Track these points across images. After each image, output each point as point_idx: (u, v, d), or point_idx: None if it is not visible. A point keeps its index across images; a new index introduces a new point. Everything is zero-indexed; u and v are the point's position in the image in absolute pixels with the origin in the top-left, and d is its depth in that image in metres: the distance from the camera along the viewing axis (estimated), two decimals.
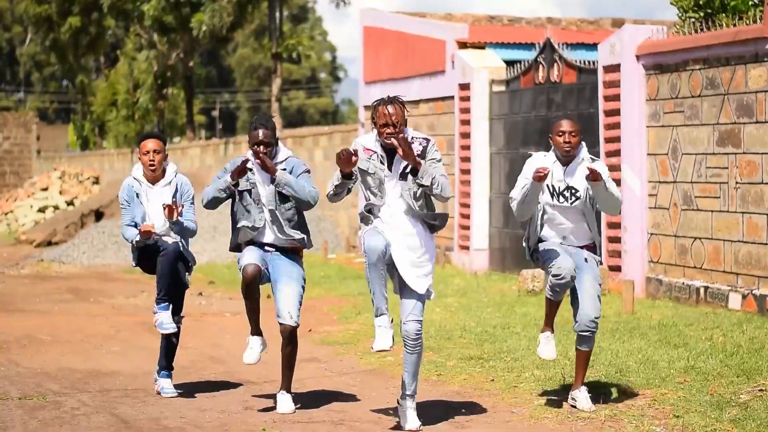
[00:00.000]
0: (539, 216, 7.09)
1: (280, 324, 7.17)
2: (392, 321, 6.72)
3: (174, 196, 7.77)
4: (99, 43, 47.36)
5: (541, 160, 7.13)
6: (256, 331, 7.39)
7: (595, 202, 7.11)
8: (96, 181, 38.94)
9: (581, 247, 7.14)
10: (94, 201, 32.29)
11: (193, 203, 7.91)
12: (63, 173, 39.72)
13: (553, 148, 7.11)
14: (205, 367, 9.19)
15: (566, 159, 7.06)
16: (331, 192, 6.68)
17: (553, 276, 6.99)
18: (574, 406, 7.15)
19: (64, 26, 44.28)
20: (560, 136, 7.01)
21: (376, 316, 6.67)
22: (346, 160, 6.51)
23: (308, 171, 7.40)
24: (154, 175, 7.77)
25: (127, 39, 50.19)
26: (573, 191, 7.04)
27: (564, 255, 6.98)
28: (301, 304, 7.24)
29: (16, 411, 7.34)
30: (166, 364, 7.90)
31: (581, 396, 7.14)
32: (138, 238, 7.68)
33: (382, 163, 6.61)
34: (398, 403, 6.82)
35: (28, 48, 73.53)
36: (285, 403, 7.25)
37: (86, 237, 23.97)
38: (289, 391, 7.30)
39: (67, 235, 27.32)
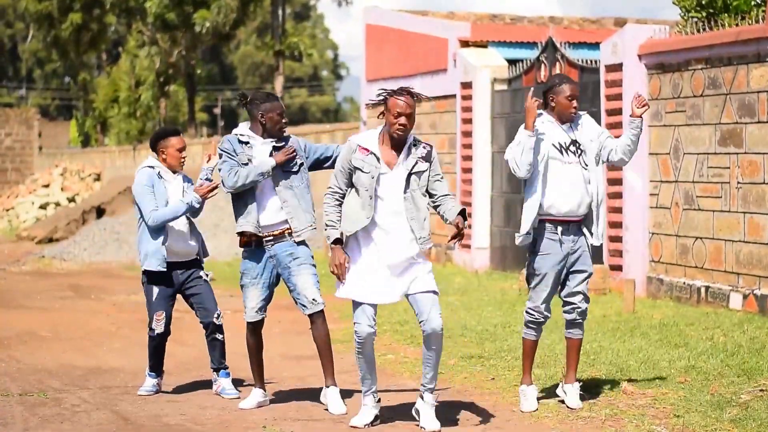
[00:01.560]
0: (542, 181, 7.05)
1: (310, 314, 7.20)
2: (379, 401, 6.77)
3: (186, 181, 7.85)
4: (100, 40, 47.38)
5: (537, 123, 7.13)
6: (261, 385, 7.40)
7: (608, 156, 7.15)
8: (97, 178, 38.93)
9: (579, 223, 7.10)
10: (95, 198, 32.27)
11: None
12: (64, 170, 39.72)
13: (548, 108, 7.15)
14: (206, 364, 9.17)
15: (565, 120, 7.12)
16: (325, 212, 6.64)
17: (527, 312, 7.18)
18: (562, 401, 7.17)
19: (66, 23, 44.29)
20: (570, 100, 7.06)
21: (365, 394, 6.73)
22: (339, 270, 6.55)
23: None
24: (177, 169, 7.82)
25: (129, 36, 50.20)
26: (578, 145, 7.09)
27: (547, 287, 7.07)
28: (318, 284, 7.28)
29: (16, 407, 7.34)
30: (219, 365, 7.87)
31: (573, 391, 7.16)
32: (198, 199, 7.59)
33: (377, 159, 6.55)
34: (420, 398, 6.72)
35: (30, 45, 73.53)
36: (337, 401, 7.17)
37: (87, 234, 23.98)
38: (336, 384, 7.25)
39: (69, 231, 27.31)
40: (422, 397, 6.73)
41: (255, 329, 7.35)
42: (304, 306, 7.22)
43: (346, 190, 6.63)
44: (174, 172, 7.79)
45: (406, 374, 8.65)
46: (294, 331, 11.07)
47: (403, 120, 6.47)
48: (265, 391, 7.43)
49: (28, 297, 14.57)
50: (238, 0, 34.18)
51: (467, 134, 16.57)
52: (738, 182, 11.45)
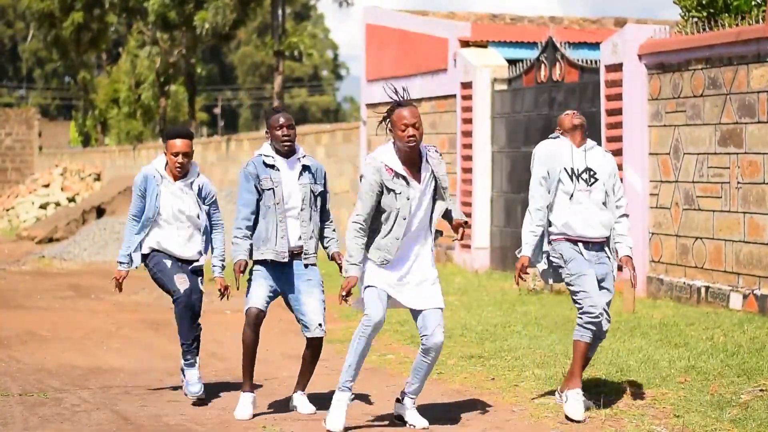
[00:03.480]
0: (559, 204, 7.01)
1: (310, 337, 7.14)
2: (353, 399, 6.68)
3: (199, 196, 7.61)
4: (101, 39, 47.36)
5: (552, 145, 7.06)
6: (250, 387, 7.18)
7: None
8: (98, 178, 38.93)
9: (602, 243, 7.09)
10: (95, 198, 32.27)
11: (216, 203, 7.80)
12: (65, 170, 39.72)
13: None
14: (206, 364, 9.18)
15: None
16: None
17: (586, 314, 6.87)
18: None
19: (67, 22, 44.29)
20: (574, 130, 7.04)
21: (339, 389, 6.55)
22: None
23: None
24: (179, 176, 7.57)
25: (129, 36, 50.20)
26: (591, 173, 7.01)
27: (596, 286, 6.91)
28: (325, 310, 7.20)
29: (16, 407, 7.34)
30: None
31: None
32: (122, 267, 7.59)
33: (405, 180, 6.47)
34: (400, 402, 6.79)
35: (30, 44, 73.52)
36: (306, 404, 7.25)
37: (87, 234, 23.97)
38: (304, 390, 7.32)
39: (69, 231, 27.31)
40: (402, 401, 6.75)
41: (256, 322, 7.05)
42: (308, 328, 7.14)
43: (371, 215, 6.48)
44: (176, 177, 7.55)
45: (406, 374, 8.63)
46: (294, 331, 11.07)
47: (411, 131, 6.38)
48: (253, 392, 7.22)
49: (28, 297, 14.57)
50: (236, 0, 34.14)
51: (467, 134, 16.57)
52: (738, 182, 11.45)
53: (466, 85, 16.54)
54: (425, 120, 17.85)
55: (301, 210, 7.12)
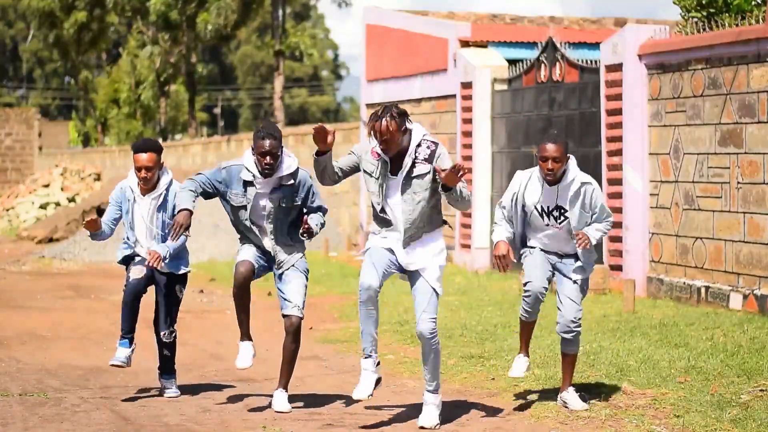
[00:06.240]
0: (524, 228, 7.07)
1: (286, 316, 7.11)
2: (378, 364, 6.69)
3: (159, 209, 7.60)
4: (101, 39, 47.40)
5: (524, 177, 7.03)
6: (247, 336, 7.33)
7: (587, 222, 7.04)
8: (98, 178, 38.95)
9: (564, 256, 7.10)
10: (95, 197, 32.28)
11: None
12: (65, 170, 39.73)
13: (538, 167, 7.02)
14: (205, 364, 9.19)
15: (551, 182, 6.93)
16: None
17: (523, 290, 7.15)
18: (566, 406, 7.16)
19: (68, 22, 44.31)
20: (543, 161, 6.85)
21: (363, 357, 6.68)
22: (321, 137, 6.48)
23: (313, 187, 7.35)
24: (146, 188, 7.63)
25: (130, 36, 50.25)
26: (562, 211, 6.95)
27: (537, 268, 7.02)
28: (305, 297, 7.23)
29: (16, 407, 7.34)
30: (162, 372, 7.82)
31: (571, 397, 7.15)
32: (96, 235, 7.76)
33: (385, 167, 6.58)
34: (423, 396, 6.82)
35: (31, 44, 73.58)
36: (282, 401, 7.18)
37: (87, 234, 23.97)
38: (286, 389, 7.23)
39: (69, 231, 27.31)
40: (423, 396, 6.74)
41: (244, 280, 7.08)
42: (286, 309, 7.15)
43: (342, 173, 6.72)
44: (144, 190, 7.60)
45: (406, 374, 8.65)
46: None
47: (382, 146, 6.53)
48: (251, 341, 7.34)
49: (28, 297, 14.56)
50: (237, 0, 34.19)
51: (467, 134, 16.57)
52: (738, 182, 11.45)
53: (466, 85, 16.55)
54: (425, 120, 17.86)
55: (274, 222, 7.14)
